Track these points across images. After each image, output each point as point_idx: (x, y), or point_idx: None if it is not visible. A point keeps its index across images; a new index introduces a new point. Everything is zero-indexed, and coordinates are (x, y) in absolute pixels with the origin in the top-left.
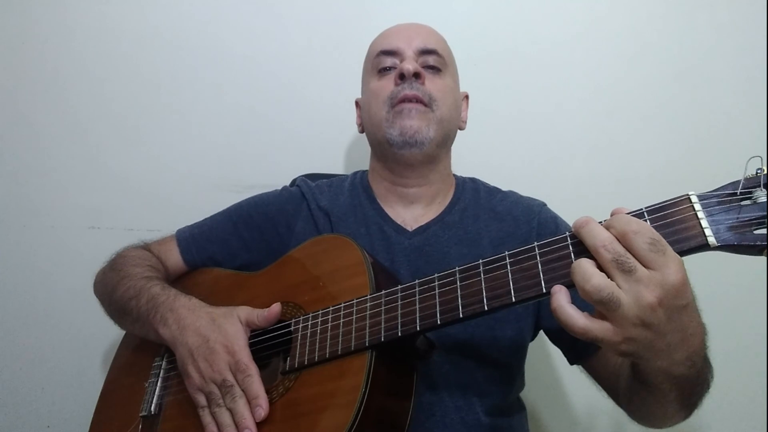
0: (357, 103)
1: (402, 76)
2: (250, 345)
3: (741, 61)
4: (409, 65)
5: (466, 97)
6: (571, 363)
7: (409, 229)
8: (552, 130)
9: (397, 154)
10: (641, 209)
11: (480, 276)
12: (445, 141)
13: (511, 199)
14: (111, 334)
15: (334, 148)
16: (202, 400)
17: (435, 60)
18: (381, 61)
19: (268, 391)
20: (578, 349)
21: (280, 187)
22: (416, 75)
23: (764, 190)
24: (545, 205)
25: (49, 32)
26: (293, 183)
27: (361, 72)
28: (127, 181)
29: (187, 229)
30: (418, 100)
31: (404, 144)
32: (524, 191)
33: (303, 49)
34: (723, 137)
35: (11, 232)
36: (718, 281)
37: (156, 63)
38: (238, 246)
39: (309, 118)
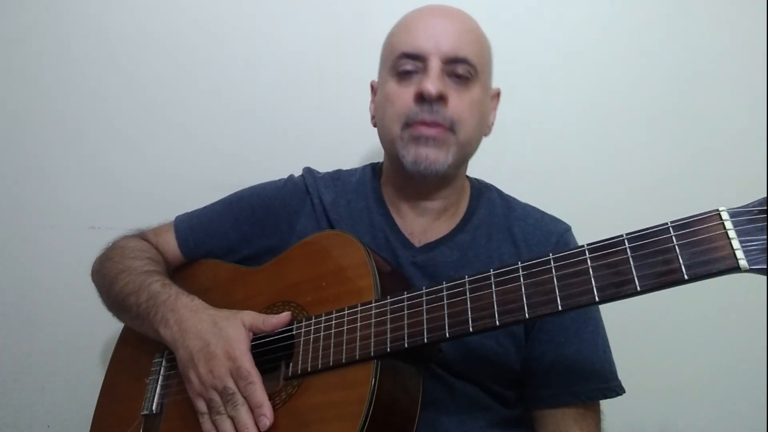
0: (372, 87)
1: (422, 97)
2: (252, 347)
3: (750, 62)
4: (432, 87)
5: (497, 95)
6: (527, 407)
7: (417, 243)
8: (559, 134)
9: (410, 176)
10: (666, 224)
11: (491, 288)
12: (464, 160)
13: (530, 220)
14: (111, 334)
15: (335, 148)
16: (202, 406)
17: (464, 69)
18: (402, 63)
19: (270, 397)
20: (534, 397)
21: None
22: (439, 97)
23: None
24: (568, 230)
25: (48, 32)
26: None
27: (379, 56)
28: (127, 181)
29: (186, 219)
30: (437, 125)
31: (417, 171)
32: (535, 198)
33: (303, 49)
34: (733, 139)
35: (11, 232)
36: (718, 281)
37: (156, 63)
38: (237, 240)
39: (310, 118)
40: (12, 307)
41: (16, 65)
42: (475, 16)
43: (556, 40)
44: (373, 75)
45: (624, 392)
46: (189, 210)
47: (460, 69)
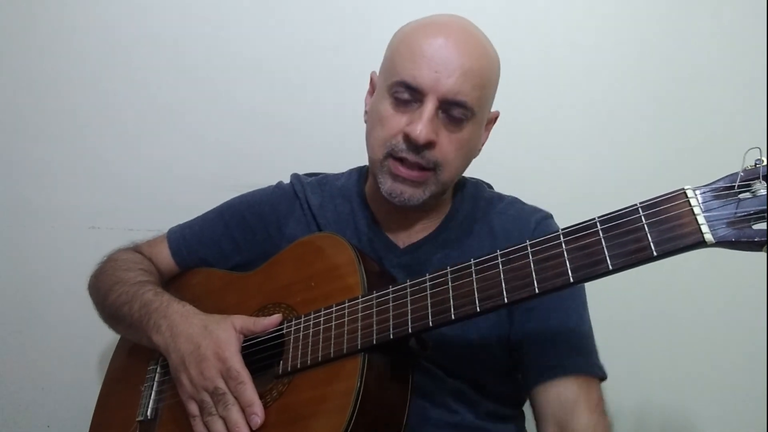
0: (372, 79)
1: (409, 139)
2: (243, 349)
3: (740, 59)
4: (421, 133)
5: (495, 119)
6: (526, 387)
7: (401, 245)
8: (551, 129)
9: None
10: (635, 205)
11: (472, 276)
12: (446, 191)
13: (511, 212)
14: (110, 334)
15: (335, 147)
16: (194, 408)
17: (460, 112)
18: (400, 90)
19: (261, 396)
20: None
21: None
22: (428, 143)
23: (764, 182)
24: (548, 218)
25: (49, 32)
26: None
27: (382, 57)
28: (127, 181)
29: (178, 230)
30: (418, 168)
31: (392, 201)
32: (523, 191)
33: (303, 49)
34: (724, 135)
35: (11, 232)
36: (717, 278)
37: (156, 63)
38: (229, 248)
39: (309, 117)
40: (12, 307)
41: (17, 64)
42: (471, 13)
43: (551, 39)
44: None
45: (606, 377)
46: (187, 209)
47: (456, 112)
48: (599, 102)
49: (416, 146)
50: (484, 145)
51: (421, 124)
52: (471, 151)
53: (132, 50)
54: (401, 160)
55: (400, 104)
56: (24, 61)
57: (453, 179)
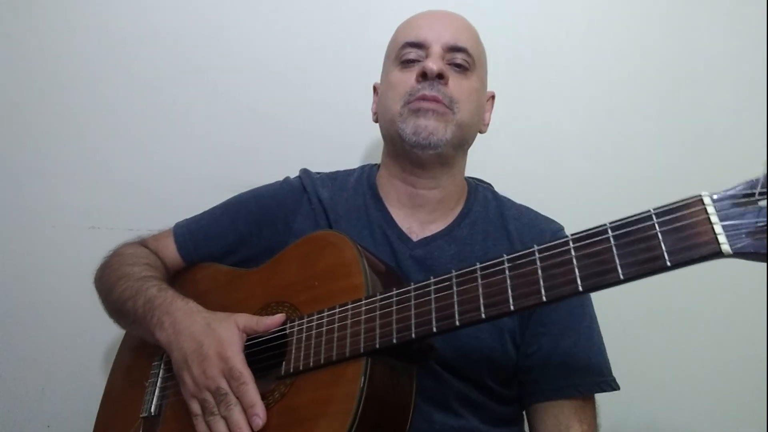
0: (375, 88)
1: (424, 75)
2: (246, 348)
3: (746, 60)
4: (433, 64)
5: (492, 97)
6: (524, 402)
7: (414, 238)
8: (555, 133)
9: (409, 152)
10: (649, 211)
11: (477, 281)
12: (462, 144)
13: (525, 219)
14: (111, 334)
15: (335, 147)
16: (196, 407)
17: (463, 59)
18: (405, 52)
19: (263, 397)
20: (532, 390)
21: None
22: (440, 75)
23: None
24: (561, 230)
25: (49, 32)
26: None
27: (381, 56)
28: (127, 181)
29: (185, 224)
30: (437, 101)
31: (417, 143)
32: (523, 192)
33: (304, 48)
34: (730, 137)
35: (11, 232)
36: (717, 278)
37: (156, 63)
38: (235, 242)
39: (310, 117)
40: (12, 307)
41: (17, 64)
42: (471, 13)
43: (551, 39)
44: (374, 74)
45: (619, 388)
46: (188, 209)
47: (459, 58)
48: (601, 102)
49: (431, 80)
50: (485, 154)
51: (431, 59)
52: (479, 107)
53: (132, 50)
54: (420, 98)
55: (407, 65)
56: (24, 61)
57: (468, 126)
